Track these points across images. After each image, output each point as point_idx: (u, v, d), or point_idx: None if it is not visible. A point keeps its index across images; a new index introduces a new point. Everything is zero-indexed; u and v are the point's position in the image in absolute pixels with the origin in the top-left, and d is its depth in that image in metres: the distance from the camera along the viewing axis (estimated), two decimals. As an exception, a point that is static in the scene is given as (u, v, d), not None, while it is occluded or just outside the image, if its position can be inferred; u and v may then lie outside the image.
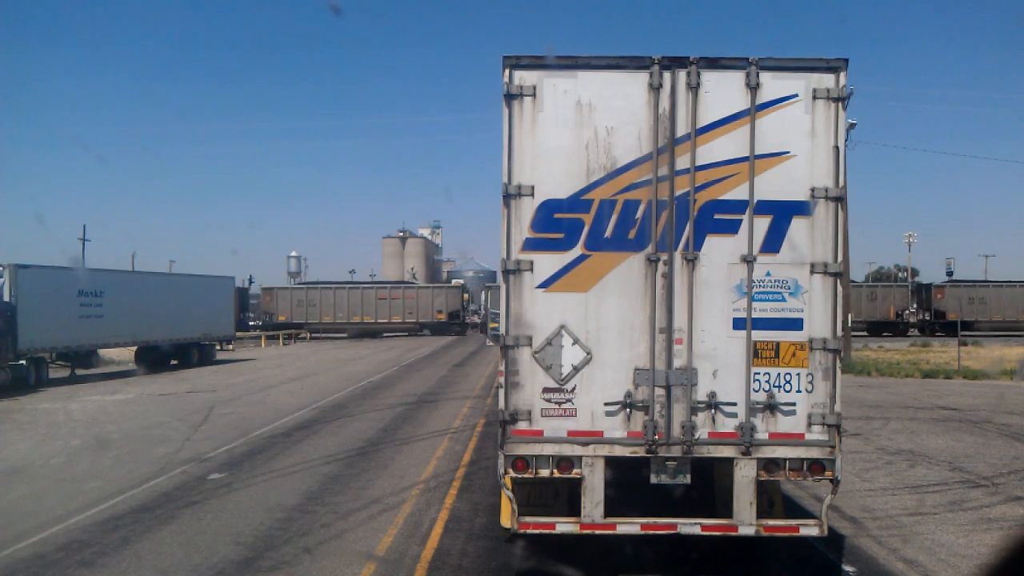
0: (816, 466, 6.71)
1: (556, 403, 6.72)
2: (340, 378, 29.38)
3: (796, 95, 6.70)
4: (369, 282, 73.27)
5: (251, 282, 68.65)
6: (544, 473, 6.75)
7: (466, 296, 68.18)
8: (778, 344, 6.70)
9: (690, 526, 6.75)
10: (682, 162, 6.68)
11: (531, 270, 6.69)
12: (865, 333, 58.31)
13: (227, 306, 40.30)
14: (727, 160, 6.69)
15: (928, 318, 59.85)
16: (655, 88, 6.70)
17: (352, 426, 17.70)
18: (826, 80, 6.71)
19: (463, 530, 9.47)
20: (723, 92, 6.71)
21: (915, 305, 61.17)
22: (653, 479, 6.81)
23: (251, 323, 64.01)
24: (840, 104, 6.74)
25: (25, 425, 18.96)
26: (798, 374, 6.71)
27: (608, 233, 6.68)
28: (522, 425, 6.71)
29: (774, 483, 7.26)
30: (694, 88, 6.71)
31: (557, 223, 6.69)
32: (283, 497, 11.07)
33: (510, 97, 6.70)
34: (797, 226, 6.70)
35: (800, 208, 6.69)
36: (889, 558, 8.47)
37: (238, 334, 57.12)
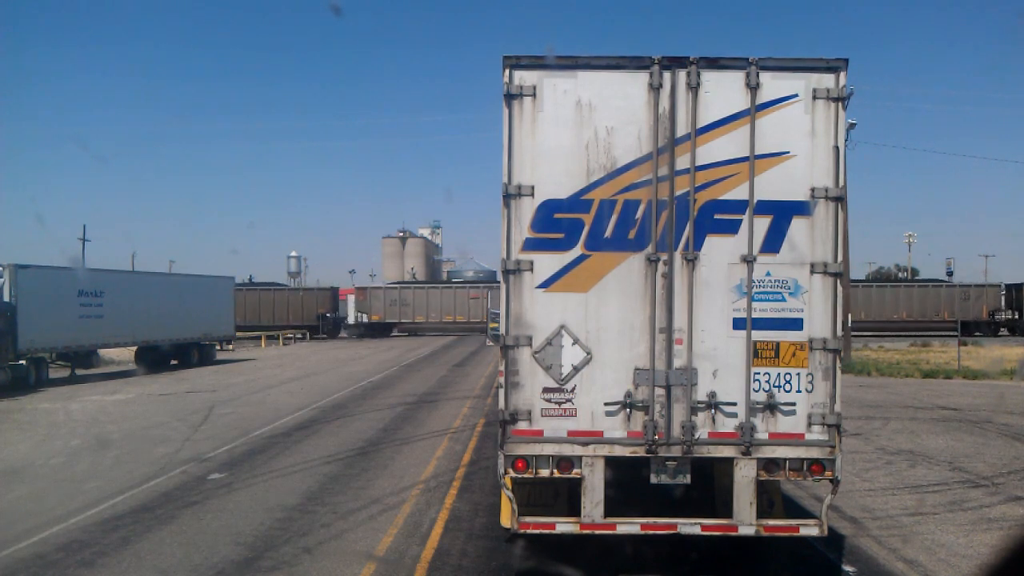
0: (816, 466, 6.71)
1: (556, 403, 6.72)
2: (340, 378, 29.38)
3: (796, 95, 6.70)
4: (462, 282, 74.80)
5: (251, 281, 68.69)
6: (544, 473, 6.75)
7: None
8: (778, 344, 6.70)
9: (690, 526, 6.75)
10: (682, 162, 6.67)
11: (531, 270, 6.69)
12: (956, 333, 58.03)
13: (227, 306, 40.28)
14: (727, 160, 6.69)
15: (1017, 317, 59.70)
16: (655, 88, 6.70)
17: (352, 426, 17.70)
18: (826, 80, 6.71)
19: (463, 530, 9.47)
20: (723, 92, 6.71)
21: (1004, 305, 60.77)
22: (653, 479, 6.81)
23: (343, 322, 65.83)
24: (840, 104, 6.74)
25: (25, 425, 18.96)
26: (798, 374, 6.71)
27: (608, 233, 6.68)
28: (522, 425, 6.71)
29: (774, 483, 7.25)
30: (694, 88, 6.70)
31: (557, 223, 6.69)
32: (283, 497, 11.07)
33: (510, 97, 6.70)
34: (797, 226, 6.69)
35: (800, 208, 6.69)
36: (889, 558, 8.47)
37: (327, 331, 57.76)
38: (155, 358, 34.39)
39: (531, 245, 6.70)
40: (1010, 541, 1.80)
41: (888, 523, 9.73)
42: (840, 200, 6.76)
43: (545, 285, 6.70)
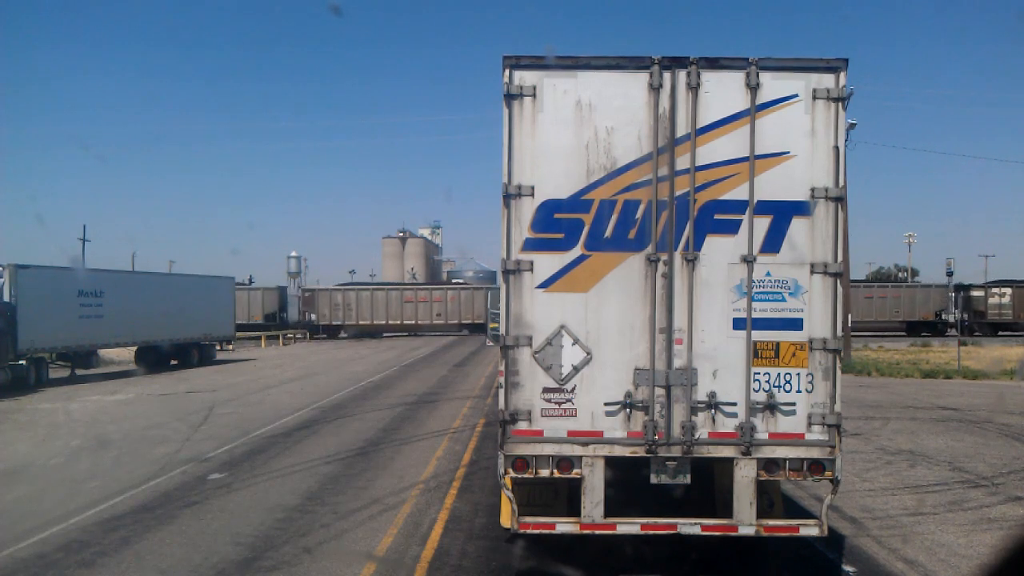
0: (816, 466, 6.71)
1: (556, 403, 6.72)
2: (340, 378, 29.38)
3: (796, 95, 6.70)
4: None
5: (251, 282, 68.60)
6: (544, 473, 6.75)
7: None
8: (778, 344, 6.70)
9: (690, 526, 6.75)
10: (682, 162, 6.68)
11: (531, 270, 6.69)
12: None
13: (227, 306, 40.24)
14: (727, 160, 6.69)
15: None
16: (655, 88, 6.70)
17: (352, 426, 17.70)
18: (826, 80, 6.71)
19: (463, 530, 9.47)
20: (723, 92, 6.71)
21: None
22: (653, 479, 6.81)
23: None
24: (840, 104, 6.74)
25: (25, 425, 18.96)
26: (798, 374, 6.71)
27: (608, 233, 6.68)
28: (522, 425, 6.71)
29: (774, 483, 7.25)
30: (694, 88, 6.71)
31: (557, 223, 6.69)
32: (283, 497, 11.07)
33: (510, 97, 6.70)
34: (797, 226, 6.70)
35: (800, 208, 6.69)
36: (889, 558, 8.47)
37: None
38: (155, 358, 34.38)
39: (531, 245, 6.70)
40: (1010, 541, 1.80)
41: (888, 523, 9.73)
42: (840, 200, 6.76)
43: (545, 285, 6.70)
